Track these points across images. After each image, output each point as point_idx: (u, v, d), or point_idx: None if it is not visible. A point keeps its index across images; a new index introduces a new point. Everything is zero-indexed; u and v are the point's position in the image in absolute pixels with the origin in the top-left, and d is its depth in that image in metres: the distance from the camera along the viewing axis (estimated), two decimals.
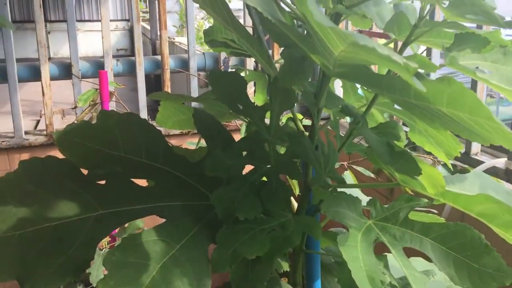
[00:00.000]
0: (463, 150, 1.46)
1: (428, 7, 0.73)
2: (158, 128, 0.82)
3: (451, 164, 1.54)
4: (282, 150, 0.84)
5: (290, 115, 0.83)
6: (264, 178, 0.78)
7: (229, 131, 0.84)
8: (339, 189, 0.74)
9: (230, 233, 0.68)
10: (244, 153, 0.80)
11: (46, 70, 2.05)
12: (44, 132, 2.18)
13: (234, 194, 0.71)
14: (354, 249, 0.56)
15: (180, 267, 0.64)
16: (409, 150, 0.70)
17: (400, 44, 0.77)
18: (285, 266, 0.92)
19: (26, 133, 2.17)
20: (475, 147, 1.43)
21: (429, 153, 0.95)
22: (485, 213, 0.65)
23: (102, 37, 2.14)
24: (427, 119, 0.66)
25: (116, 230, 1.77)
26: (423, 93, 0.59)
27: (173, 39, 4.46)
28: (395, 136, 0.75)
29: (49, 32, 12.20)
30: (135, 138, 0.80)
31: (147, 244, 0.65)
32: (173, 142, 1.68)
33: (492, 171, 1.35)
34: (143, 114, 2.23)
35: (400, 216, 0.64)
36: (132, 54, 2.41)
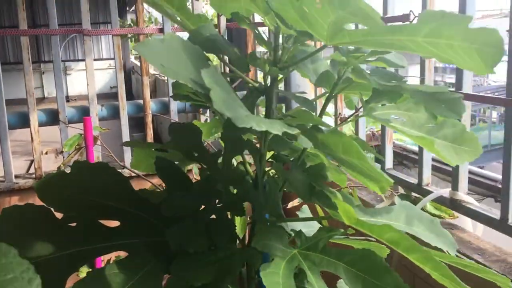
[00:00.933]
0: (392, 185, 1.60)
1: (344, 70, 0.88)
2: (124, 175, 0.96)
3: (407, 194, 1.67)
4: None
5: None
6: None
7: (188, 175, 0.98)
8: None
9: (181, 264, 0.81)
10: None
11: (35, 117, 2.19)
12: (34, 176, 2.31)
13: (185, 231, 0.83)
14: (275, 275, 0.68)
15: None
16: (329, 189, 0.84)
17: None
18: None
19: (16, 177, 2.29)
20: (426, 178, 1.57)
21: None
22: (391, 240, 0.78)
23: (88, 84, 2.29)
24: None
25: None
26: (328, 144, 0.73)
27: (164, 76, 4.63)
28: (323, 177, 0.89)
29: (43, 73, 12.48)
30: (104, 185, 0.93)
31: (109, 277, 0.77)
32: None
33: (440, 200, 1.49)
34: (128, 155, 2.37)
35: (320, 245, 0.77)
36: (127, 91, 2.56)
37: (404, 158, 2.27)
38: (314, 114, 0.92)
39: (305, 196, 0.77)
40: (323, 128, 0.71)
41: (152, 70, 7.17)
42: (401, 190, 1.73)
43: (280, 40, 0.94)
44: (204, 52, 0.79)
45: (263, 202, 0.89)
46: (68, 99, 10.72)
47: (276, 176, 0.99)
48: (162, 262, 0.83)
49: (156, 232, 0.92)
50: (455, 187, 1.43)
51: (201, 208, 0.91)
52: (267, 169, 0.96)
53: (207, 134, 1.25)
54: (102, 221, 0.92)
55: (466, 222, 1.48)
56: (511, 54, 1.18)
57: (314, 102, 0.93)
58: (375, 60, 0.89)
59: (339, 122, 2.09)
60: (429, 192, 1.51)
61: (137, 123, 3.78)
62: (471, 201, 1.40)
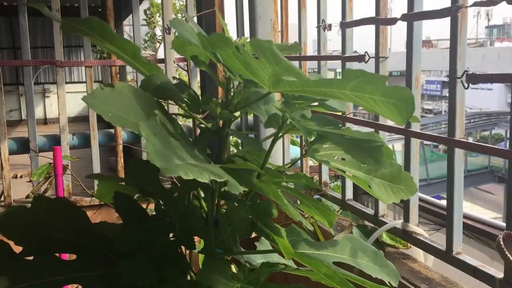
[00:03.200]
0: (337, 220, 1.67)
1: (287, 114, 0.95)
2: (81, 210, 1.00)
3: (363, 225, 1.74)
4: None
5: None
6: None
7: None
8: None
9: None
10: None
11: (5, 146, 2.21)
12: (3, 203, 2.32)
13: (136, 265, 0.88)
14: None
15: None
16: (274, 225, 0.90)
17: None
18: None
19: None
20: (381, 210, 1.65)
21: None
22: (327, 274, 0.84)
23: (59, 114, 2.33)
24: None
25: None
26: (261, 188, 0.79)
27: None
28: (269, 214, 0.95)
29: (21, 95, 12.41)
30: (62, 219, 0.98)
31: None
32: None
33: (394, 230, 1.56)
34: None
35: (261, 279, 0.82)
36: None
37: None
38: (262, 152, 0.99)
39: (243, 233, 0.83)
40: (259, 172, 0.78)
41: None
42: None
43: (232, 84, 1.01)
44: (156, 98, 0.85)
45: (212, 236, 0.94)
46: (46, 121, 10.65)
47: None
48: None
49: (110, 265, 0.97)
50: (406, 219, 1.50)
51: (154, 242, 0.96)
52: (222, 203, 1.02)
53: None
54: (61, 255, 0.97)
55: (418, 252, 1.55)
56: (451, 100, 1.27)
57: (261, 143, 1.00)
58: (317, 106, 0.96)
59: (304, 152, 2.16)
60: (384, 223, 1.59)
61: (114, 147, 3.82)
62: (421, 232, 1.48)
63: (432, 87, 34.50)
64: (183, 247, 0.99)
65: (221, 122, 1.01)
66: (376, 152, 0.80)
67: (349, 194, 1.89)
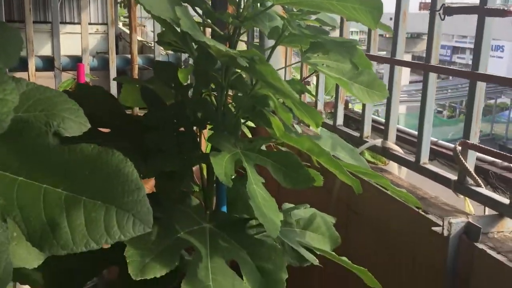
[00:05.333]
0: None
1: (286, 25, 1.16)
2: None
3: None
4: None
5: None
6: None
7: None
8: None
9: (155, 158, 1.10)
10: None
11: (33, 63, 2.43)
12: None
13: (159, 135, 1.12)
14: (222, 159, 0.98)
15: None
16: (268, 111, 1.13)
17: None
18: (196, 188, 1.32)
19: None
20: (366, 132, 1.88)
21: None
22: (309, 149, 1.08)
23: (81, 38, 2.53)
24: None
25: None
26: (260, 70, 1.01)
27: (151, 43, 4.88)
28: (266, 103, 1.18)
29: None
30: (99, 102, 1.21)
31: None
32: None
33: (374, 148, 1.80)
34: None
35: (256, 147, 1.06)
36: None
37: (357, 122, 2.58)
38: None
39: (247, 111, 1.07)
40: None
41: (139, 37, 7.34)
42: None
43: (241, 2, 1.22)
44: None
45: (220, 121, 1.18)
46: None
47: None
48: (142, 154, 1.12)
49: (138, 138, 1.21)
50: (385, 138, 1.74)
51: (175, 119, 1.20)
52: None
53: (184, 78, 1.53)
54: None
55: (393, 168, 1.79)
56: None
57: (264, 50, 1.21)
58: (313, 19, 1.18)
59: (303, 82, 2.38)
60: (366, 142, 1.82)
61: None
62: (397, 149, 1.72)
63: (441, 51, 34.14)
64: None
65: (231, 31, 1.23)
66: (352, 49, 1.03)
67: (340, 121, 2.12)
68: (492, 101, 23.50)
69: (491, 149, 1.28)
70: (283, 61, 2.63)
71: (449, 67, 1.70)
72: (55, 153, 0.64)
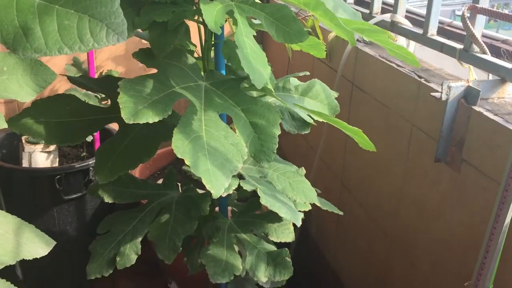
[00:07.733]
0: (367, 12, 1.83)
1: None
2: None
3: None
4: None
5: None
6: None
7: None
8: None
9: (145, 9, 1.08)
10: None
11: None
12: None
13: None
14: (213, 8, 0.96)
15: None
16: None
17: None
18: (192, 47, 1.29)
19: None
20: (376, 8, 1.81)
21: None
22: (306, 3, 1.04)
23: None
24: None
25: None
26: None
27: None
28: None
29: None
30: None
31: None
32: None
33: (383, 24, 1.74)
34: None
35: (250, 0, 1.03)
36: None
37: None
38: None
39: None
40: None
41: None
42: None
43: None
44: None
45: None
46: None
47: None
48: None
49: None
50: (395, 11, 1.68)
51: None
52: None
53: None
54: None
55: (402, 42, 1.75)
56: None
57: None
58: None
59: None
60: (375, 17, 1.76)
61: None
62: (406, 23, 1.66)
63: None
64: None
65: None
66: None
67: None
68: None
69: (501, 11, 1.22)
70: None
71: None
72: None
